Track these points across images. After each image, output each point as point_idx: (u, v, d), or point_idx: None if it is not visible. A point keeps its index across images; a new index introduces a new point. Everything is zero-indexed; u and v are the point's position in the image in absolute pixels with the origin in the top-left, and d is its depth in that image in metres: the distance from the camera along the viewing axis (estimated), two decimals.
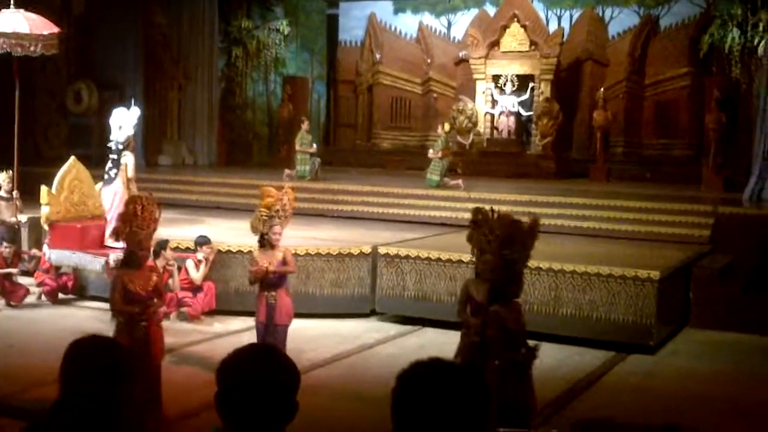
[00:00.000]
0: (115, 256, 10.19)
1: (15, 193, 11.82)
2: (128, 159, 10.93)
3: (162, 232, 11.64)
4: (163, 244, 9.99)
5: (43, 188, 10.78)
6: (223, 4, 20.58)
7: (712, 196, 14.11)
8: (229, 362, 2.47)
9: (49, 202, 10.71)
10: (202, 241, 10.53)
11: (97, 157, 18.19)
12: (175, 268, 10.17)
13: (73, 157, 11.43)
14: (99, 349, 2.73)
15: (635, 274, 9.32)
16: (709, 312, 10.40)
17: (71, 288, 11.25)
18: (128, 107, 11.17)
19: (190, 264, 10.43)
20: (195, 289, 10.39)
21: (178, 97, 20.58)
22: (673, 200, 13.37)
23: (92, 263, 10.58)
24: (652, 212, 12.89)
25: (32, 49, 10.98)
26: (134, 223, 6.66)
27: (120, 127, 10.90)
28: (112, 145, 11.01)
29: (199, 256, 10.44)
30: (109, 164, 11.05)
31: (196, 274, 10.37)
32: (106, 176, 11.11)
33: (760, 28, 16.12)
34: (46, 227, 11.00)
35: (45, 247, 11.04)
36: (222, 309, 10.51)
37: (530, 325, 9.47)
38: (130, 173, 10.91)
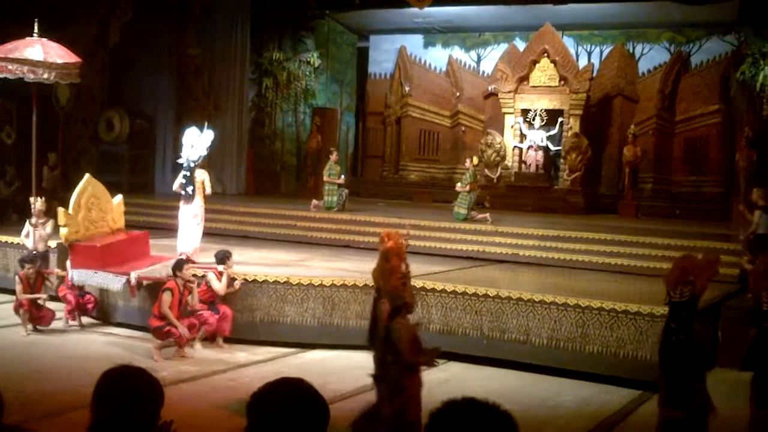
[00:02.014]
0: (135, 274, 10.38)
1: (37, 220, 11.91)
2: (205, 176, 11.68)
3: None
4: (180, 264, 10.05)
5: (60, 210, 10.93)
6: (255, 35, 20.81)
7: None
8: (260, 396, 2.47)
9: (66, 222, 10.82)
10: (223, 255, 10.56)
11: (128, 184, 18.48)
12: (194, 285, 10.19)
13: (87, 175, 11.52)
14: (132, 379, 2.75)
15: (663, 312, 9.20)
16: (738, 352, 10.25)
17: (91, 310, 11.29)
18: (201, 130, 11.80)
19: (212, 276, 10.44)
20: (211, 305, 10.39)
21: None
22: (703, 238, 13.25)
23: (114, 282, 10.60)
24: (681, 250, 12.68)
25: (45, 76, 11.05)
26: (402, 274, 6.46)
27: (192, 146, 11.50)
28: (183, 162, 11.60)
29: (220, 268, 10.46)
30: (182, 181, 11.61)
31: (219, 285, 10.37)
32: (183, 192, 11.62)
33: None
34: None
35: (68, 265, 11.07)
36: (247, 338, 10.51)
37: (555, 361, 9.47)
38: (208, 190, 11.74)
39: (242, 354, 10.17)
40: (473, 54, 22.63)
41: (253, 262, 12.11)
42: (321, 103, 22.65)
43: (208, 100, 20.60)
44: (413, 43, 23.04)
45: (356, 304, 10.57)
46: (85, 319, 11.38)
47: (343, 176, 16.91)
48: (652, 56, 20.41)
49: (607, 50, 20.96)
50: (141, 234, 11.97)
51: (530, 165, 19.40)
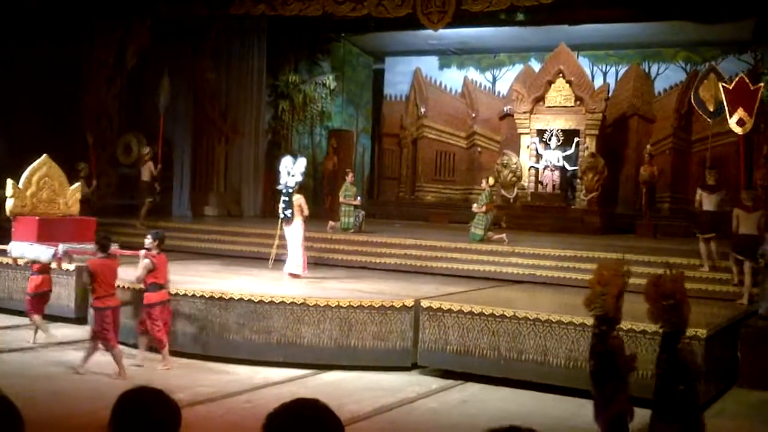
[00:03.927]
0: (64, 246, 10.99)
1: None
2: (302, 200, 12.75)
3: (205, 282, 11.78)
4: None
5: (9, 181, 11.27)
6: (271, 58, 20.95)
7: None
8: (276, 417, 2.47)
9: (14, 194, 11.14)
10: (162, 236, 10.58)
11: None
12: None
13: (45, 155, 11.80)
14: (149, 400, 2.75)
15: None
16: (758, 372, 10.16)
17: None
18: (295, 158, 13.20)
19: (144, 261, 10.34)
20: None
21: (225, 149, 20.90)
22: (722, 257, 13.15)
23: (45, 253, 11.01)
24: (700, 269, 12.70)
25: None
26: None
27: (289, 173, 12.61)
28: (282, 188, 12.75)
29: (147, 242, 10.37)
30: (283, 205, 12.67)
31: (137, 272, 10.28)
32: (282, 215, 12.67)
33: None
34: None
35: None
36: (264, 360, 10.51)
37: (573, 382, 9.41)
38: (306, 212, 12.74)
39: (259, 375, 10.17)
40: (488, 75, 22.71)
41: (269, 284, 12.12)
42: (337, 125, 22.75)
43: (225, 122, 20.73)
44: (428, 64, 23.15)
45: (373, 325, 10.55)
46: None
47: (359, 197, 16.95)
48: (668, 75, 20.42)
49: (622, 70, 20.99)
50: (89, 219, 12.44)
51: (546, 185, 19.38)
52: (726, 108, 13.06)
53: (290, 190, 12.65)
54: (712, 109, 14.35)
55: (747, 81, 13.29)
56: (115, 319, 9.86)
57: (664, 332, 6.10)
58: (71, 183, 12.38)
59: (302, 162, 12.91)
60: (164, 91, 18.45)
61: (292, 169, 12.67)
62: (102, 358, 10.67)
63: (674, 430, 5.99)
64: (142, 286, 10.32)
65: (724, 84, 13.64)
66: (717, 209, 13.09)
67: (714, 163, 14.34)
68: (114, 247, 10.75)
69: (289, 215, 12.61)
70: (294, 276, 12.63)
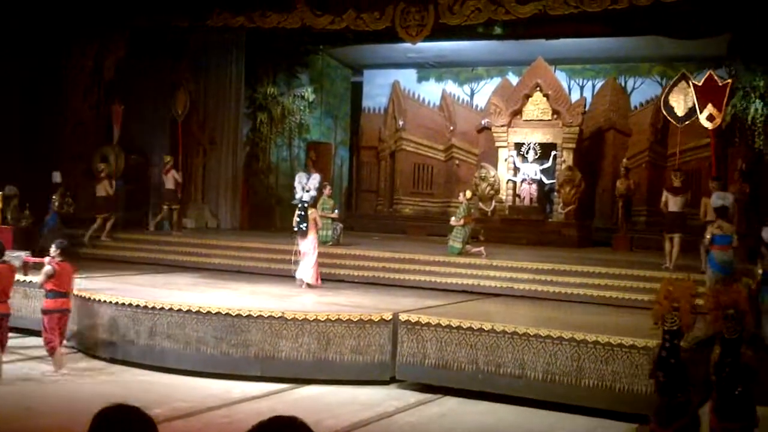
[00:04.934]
0: None
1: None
2: (316, 214, 13.52)
3: (183, 296, 11.72)
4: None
5: None
6: (250, 71, 20.92)
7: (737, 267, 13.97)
8: None
9: None
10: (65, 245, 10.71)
11: (122, 219, 18.44)
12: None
13: None
14: (126, 418, 2.74)
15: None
16: None
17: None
18: (308, 174, 14.00)
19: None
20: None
21: (203, 161, 20.83)
22: (698, 270, 13.25)
23: None
24: (663, 267, 12.82)
25: None
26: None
27: (304, 188, 13.24)
28: (297, 203, 13.32)
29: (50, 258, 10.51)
30: (298, 219, 13.21)
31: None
32: (297, 228, 13.19)
33: None
34: None
35: None
36: (242, 374, 10.46)
37: (552, 396, 9.44)
38: (320, 224, 13.65)
39: (237, 390, 10.12)
40: (467, 88, 22.79)
41: (248, 297, 12.08)
42: (315, 138, 22.74)
43: (203, 134, 20.66)
44: (407, 77, 23.22)
45: (351, 339, 10.53)
46: (86, 358, 11.29)
47: (337, 210, 16.95)
48: (644, 90, 20.58)
49: (599, 84, 21.15)
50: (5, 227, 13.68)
51: (524, 198, 19.46)
52: (696, 104, 13.90)
53: (305, 205, 13.27)
54: (680, 115, 15.13)
55: (716, 77, 14.07)
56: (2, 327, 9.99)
57: (728, 338, 6.52)
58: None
59: (316, 177, 13.66)
60: (180, 102, 19.13)
61: (306, 185, 13.32)
62: (82, 374, 10.60)
63: (736, 428, 6.46)
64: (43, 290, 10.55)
65: (694, 81, 14.43)
66: (681, 210, 14.14)
67: (681, 171, 15.03)
68: (24, 255, 11.49)
69: (304, 228, 13.16)
70: (309, 286, 13.25)
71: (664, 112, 15.68)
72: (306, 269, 13.34)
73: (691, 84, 14.41)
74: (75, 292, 11.07)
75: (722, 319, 6.52)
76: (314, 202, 13.77)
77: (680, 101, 15.06)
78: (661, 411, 6.59)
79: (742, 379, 6.45)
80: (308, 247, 13.29)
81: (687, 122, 15.07)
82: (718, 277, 11.34)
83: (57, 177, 17.24)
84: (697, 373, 6.89)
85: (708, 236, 12.06)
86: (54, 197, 16.80)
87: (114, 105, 19.13)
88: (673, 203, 14.08)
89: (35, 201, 16.15)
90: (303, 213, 13.25)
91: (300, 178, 13.53)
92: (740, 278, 11.27)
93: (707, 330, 6.59)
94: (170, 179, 18.23)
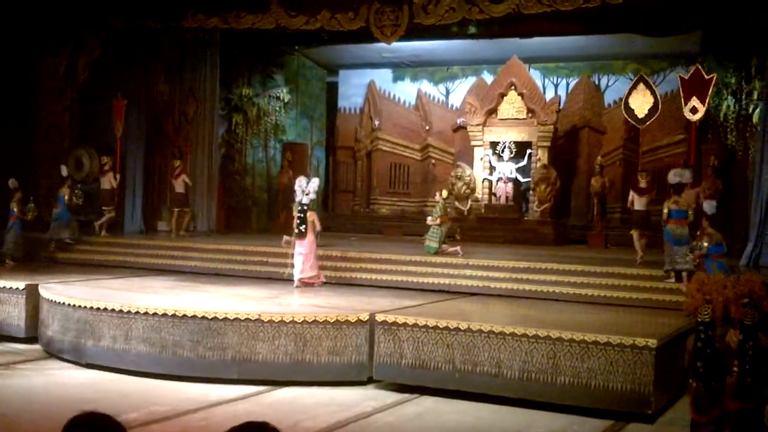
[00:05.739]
0: None
1: None
2: (314, 216, 13.82)
3: (158, 299, 11.66)
4: None
5: None
6: (225, 72, 20.82)
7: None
8: None
9: None
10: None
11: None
12: None
13: None
14: (97, 426, 2.74)
15: (633, 342, 9.27)
16: None
17: None
18: (309, 177, 14.28)
19: None
20: None
21: (180, 163, 20.71)
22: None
23: None
24: (651, 279, 12.89)
25: None
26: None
27: (303, 192, 13.51)
28: (297, 206, 13.62)
29: None
30: (298, 222, 13.53)
31: None
32: (297, 231, 13.49)
33: (754, 97, 16.36)
34: None
35: None
36: (219, 377, 10.44)
37: (529, 394, 9.49)
38: (318, 227, 13.92)
39: (214, 393, 10.09)
40: (442, 87, 22.85)
41: (225, 300, 12.05)
42: (291, 138, 22.71)
43: (178, 136, 20.56)
44: (382, 77, 23.24)
45: (328, 340, 10.53)
46: (61, 364, 11.23)
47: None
48: (617, 88, 20.69)
49: (573, 82, 21.27)
50: None
51: (500, 197, 19.55)
52: (681, 96, 14.43)
53: (305, 207, 13.59)
54: (640, 117, 15.56)
55: (702, 71, 14.50)
56: None
57: (748, 324, 6.68)
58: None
59: (316, 181, 13.96)
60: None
61: (306, 188, 13.59)
62: (56, 380, 10.54)
63: (752, 407, 6.64)
64: None
65: (681, 75, 15.07)
66: (646, 209, 14.75)
67: (647, 172, 15.48)
68: None
69: (303, 230, 13.53)
70: (306, 283, 13.57)
71: (625, 115, 15.94)
72: (304, 269, 13.60)
73: (678, 77, 14.99)
74: (48, 296, 11.02)
75: (741, 307, 6.75)
76: (312, 206, 14.00)
77: (640, 103, 15.48)
78: (698, 399, 6.79)
79: (764, 360, 6.66)
80: (306, 249, 13.59)
81: (647, 123, 15.57)
82: (673, 250, 12.40)
83: (64, 171, 17.42)
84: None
85: (665, 210, 12.67)
86: (63, 190, 16.84)
87: (116, 101, 19.01)
88: (639, 203, 14.74)
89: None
90: (302, 215, 13.60)
91: (300, 182, 13.80)
92: (692, 250, 12.08)
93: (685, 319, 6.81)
94: (180, 183, 18.33)
